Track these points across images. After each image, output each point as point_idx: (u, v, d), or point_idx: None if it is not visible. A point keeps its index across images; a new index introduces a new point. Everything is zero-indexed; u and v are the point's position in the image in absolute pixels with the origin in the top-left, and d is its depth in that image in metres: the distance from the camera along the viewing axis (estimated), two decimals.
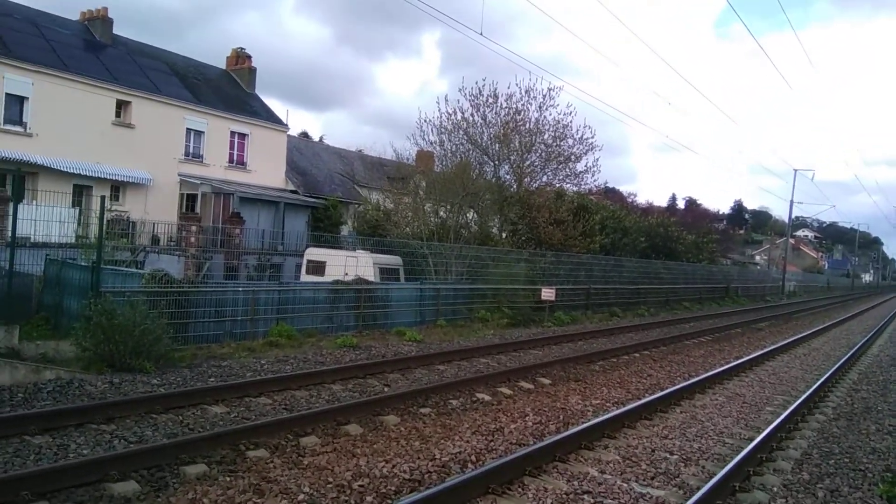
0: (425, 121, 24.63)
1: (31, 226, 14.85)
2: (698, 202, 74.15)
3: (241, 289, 12.50)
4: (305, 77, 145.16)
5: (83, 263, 11.53)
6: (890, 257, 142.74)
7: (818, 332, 20.67)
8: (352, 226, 28.59)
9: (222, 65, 31.68)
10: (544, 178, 26.06)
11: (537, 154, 25.30)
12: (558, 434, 6.84)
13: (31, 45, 22.11)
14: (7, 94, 20.45)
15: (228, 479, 5.20)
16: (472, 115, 24.95)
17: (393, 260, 19.15)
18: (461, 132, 24.63)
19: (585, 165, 25.92)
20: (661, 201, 75.87)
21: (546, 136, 25.69)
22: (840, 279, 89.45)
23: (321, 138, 54.60)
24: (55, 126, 21.26)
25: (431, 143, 25.12)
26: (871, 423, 8.69)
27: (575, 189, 27.29)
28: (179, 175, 25.43)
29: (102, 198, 10.67)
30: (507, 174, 25.55)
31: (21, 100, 20.89)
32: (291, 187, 29.44)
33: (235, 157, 27.91)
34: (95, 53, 24.77)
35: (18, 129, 20.81)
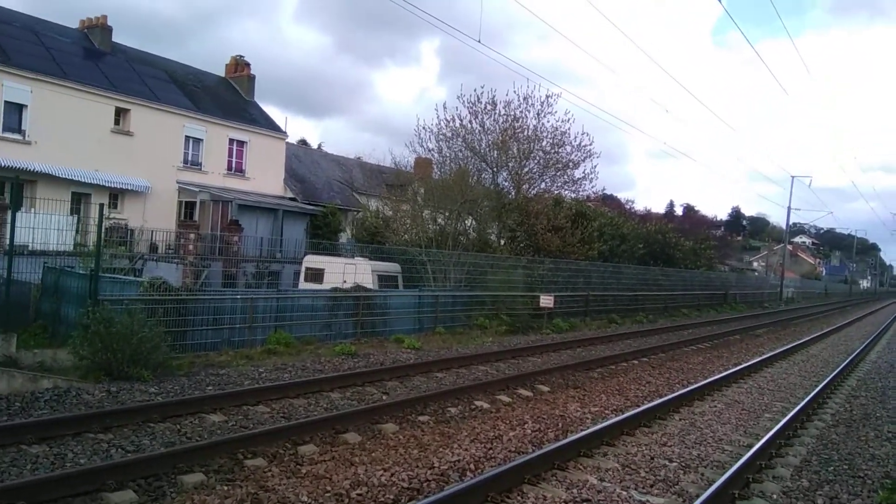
0: (423, 128, 24.74)
1: (29, 234, 14.83)
2: (696, 209, 74.39)
3: (238, 296, 12.48)
4: (304, 84, 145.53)
5: (81, 271, 11.51)
6: (888, 263, 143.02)
7: (816, 338, 20.68)
8: (350, 233, 28.60)
9: (221, 72, 31.75)
10: (542, 185, 26.15)
11: (535, 161, 25.39)
12: (557, 442, 6.83)
13: (31, 52, 22.15)
14: (6, 102, 20.48)
15: (226, 488, 5.18)
16: (470, 122, 25.04)
17: (391, 267, 19.15)
18: (459, 139, 24.71)
19: (583, 172, 26.01)
20: (659, 208, 76.03)
21: (544, 143, 25.78)
22: (838, 285, 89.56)
23: (320, 145, 54.73)
24: (54, 134, 21.28)
25: (430, 151, 25.21)
26: (870, 429, 8.69)
27: (573, 196, 27.37)
28: (178, 182, 25.44)
29: (101, 206, 10.67)
30: (506, 181, 25.63)
31: (20, 107, 20.91)
32: (290, 195, 29.46)
33: (234, 165, 27.93)
34: (94, 61, 24.82)
35: (17, 136, 20.82)
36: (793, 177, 49.35)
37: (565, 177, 26.06)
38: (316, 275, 17.92)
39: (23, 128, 21.00)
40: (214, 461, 5.62)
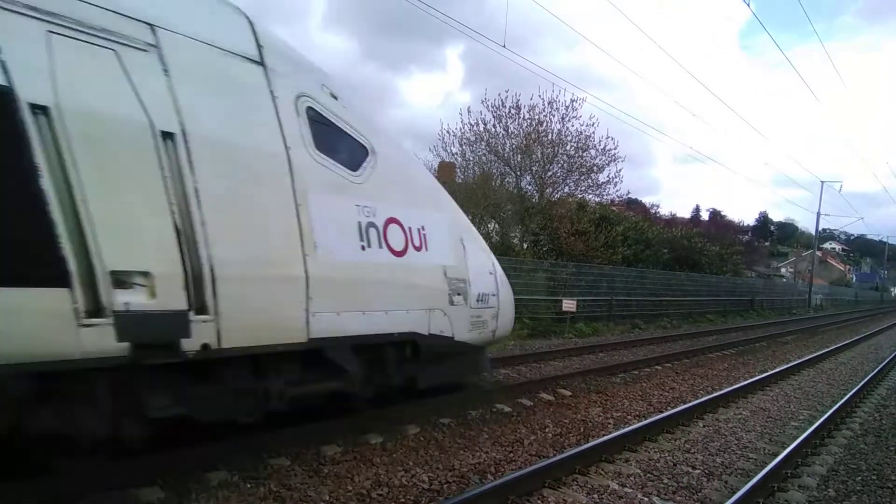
0: (447, 132, 24.84)
1: None
2: (723, 214, 73.18)
3: None
4: None
5: None
6: None
7: (845, 346, 20.25)
8: None
9: None
10: (566, 189, 26.07)
11: (559, 165, 25.31)
12: (578, 446, 6.80)
13: None
14: None
15: (249, 485, 5.27)
16: (494, 126, 25.06)
17: None
18: (483, 143, 24.77)
19: (608, 176, 25.87)
20: (685, 213, 75.07)
21: (568, 147, 25.69)
22: (868, 292, 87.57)
23: None
24: None
25: (453, 155, 25.30)
26: None
27: (597, 200, 27.24)
28: None
29: None
30: (529, 185, 25.59)
31: None
32: None
33: None
34: None
35: None
36: (822, 182, 48.37)
37: (589, 181, 25.96)
38: None
39: None
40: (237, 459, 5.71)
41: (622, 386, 10.93)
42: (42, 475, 4.71)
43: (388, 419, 7.34)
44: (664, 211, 58.60)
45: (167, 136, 4.60)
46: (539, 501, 5.36)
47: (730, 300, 35.13)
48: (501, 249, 22.45)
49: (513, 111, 24.98)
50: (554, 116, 25.31)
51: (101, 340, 4.20)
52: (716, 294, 33.84)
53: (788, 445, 7.22)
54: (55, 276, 4.01)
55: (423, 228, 6.89)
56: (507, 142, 24.82)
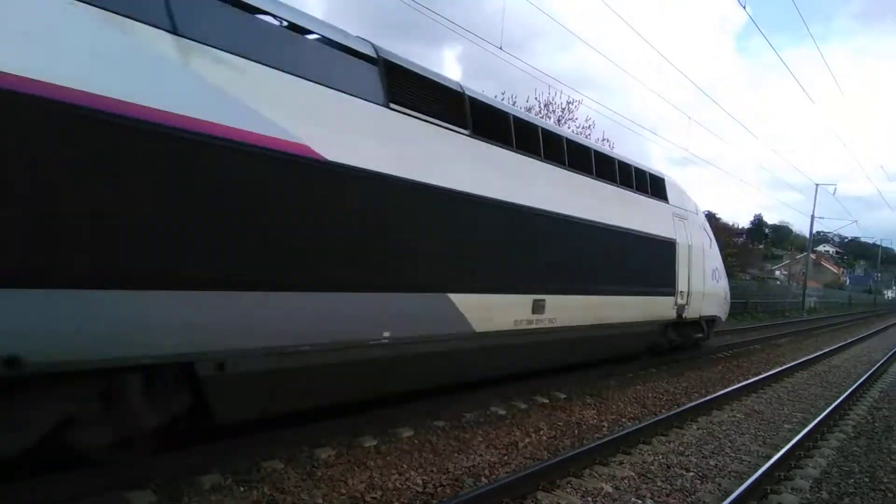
0: None
1: None
2: (718, 216, 73.39)
3: None
4: None
5: None
6: None
7: (838, 349, 20.35)
8: None
9: None
10: None
11: None
12: (573, 449, 6.81)
13: None
14: None
15: (242, 489, 5.25)
16: None
17: None
18: None
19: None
20: None
21: None
22: (862, 295, 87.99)
23: None
24: None
25: None
26: (893, 442, 8.53)
27: None
28: None
29: None
30: None
31: None
32: None
33: None
34: None
35: None
36: (817, 185, 48.44)
37: None
38: None
39: None
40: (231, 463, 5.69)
41: (617, 389, 10.95)
42: (36, 479, 4.69)
43: (382, 421, 7.34)
44: None
45: (689, 247, 13.97)
46: None
47: None
48: None
49: None
50: (550, 119, 25.37)
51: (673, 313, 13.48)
52: None
53: (782, 448, 7.24)
54: (672, 291, 13.15)
55: (716, 271, 15.85)
56: None
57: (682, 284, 13.39)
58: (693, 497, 5.87)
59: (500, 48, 13.12)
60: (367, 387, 7.04)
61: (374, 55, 7.05)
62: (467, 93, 8.28)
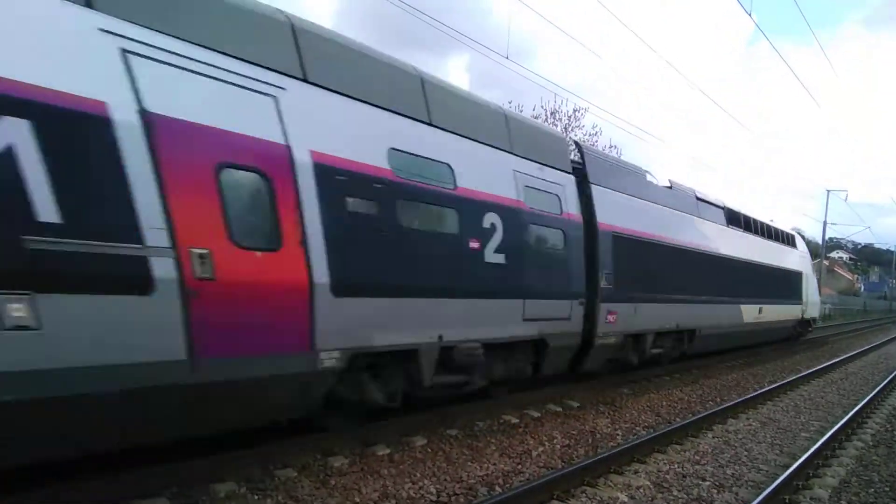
0: None
1: None
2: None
3: None
4: None
5: None
6: None
7: (855, 356, 20.09)
8: None
9: None
10: None
11: None
12: (587, 458, 6.75)
13: None
14: None
15: (257, 497, 5.25)
16: None
17: None
18: None
19: None
20: None
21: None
22: (877, 302, 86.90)
23: None
24: None
25: None
26: None
27: None
28: None
29: None
30: None
31: None
32: None
33: None
34: None
35: None
36: (828, 191, 48.03)
37: None
38: None
39: None
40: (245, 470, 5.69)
41: (630, 397, 10.87)
42: (51, 487, 4.71)
43: (395, 430, 7.32)
44: None
45: (807, 276, 23.12)
46: None
47: None
48: None
49: None
50: (557, 126, 25.34)
51: (800, 315, 22.26)
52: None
53: (800, 457, 7.14)
54: (800, 302, 21.95)
55: (815, 288, 23.85)
56: None
57: (803, 298, 22.09)
58: None
59: (507, 57, 13.13)
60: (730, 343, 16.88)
61: (721, 206, 15.91)
62: (727, 206, 16.19)
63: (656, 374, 13.30)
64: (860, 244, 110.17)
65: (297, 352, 5.57)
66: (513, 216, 8.21)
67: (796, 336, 23.30)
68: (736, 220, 16.45)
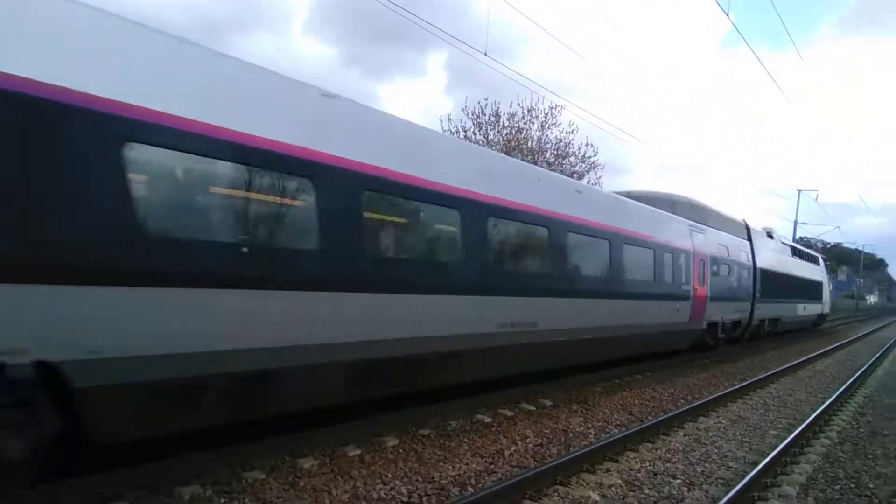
0: None
1: None
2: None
3: None
4: None
5: None
6: (895, 279, 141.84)
7: (822, 354, 20.48)
8: None
9: None
10: None
11: None
12: (560, 457, 6.75)
13: None
14: None
15: (223, 500, 5.14)
16: (474, 133, 25.11)
17: None
18: None
19: (587, 183, 26.05)
20: None
21: (548, 155, 25.86)
22: (845, 301, 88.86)
23: None
24: None
25: None
26: (877, 447, 8.56)
27: None
28: None
29: None
30: None
31: None
32: None
33: None
34: None
35: None
36: (799, 190, 49.17)
37: None
38: None
39: None
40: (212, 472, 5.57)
41: (603, 395, 10.92)
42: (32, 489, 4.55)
43: (366, 430, 7.24)
44: None
45: (826, 283, 34.94)
46: None
47: None
48: None
49: (492, 119, 25.12)
50: (533, 124, 25.54)
51: (821, 311, 33.25)
52: None
53: (768, 454, 7.23)
54: (821, 302, 32.70)
55: (830, 290, 36.57)
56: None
57: (823, 299, 31.26)
58: None
59: (485, 54, 13.14)
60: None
61: (790, 244, 27.44)
62: (792, 244, 27.76)
63: (629, 373, 13.40)
64: (829, 243, 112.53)
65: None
66: (736, 264, 18.62)
67: (819, 324, 33.25)
68: (796, 252, 27.42)
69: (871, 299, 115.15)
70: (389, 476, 6.01)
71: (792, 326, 26.53)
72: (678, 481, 6.46)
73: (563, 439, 7.84)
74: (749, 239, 20.41)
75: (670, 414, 9.17)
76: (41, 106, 4.23)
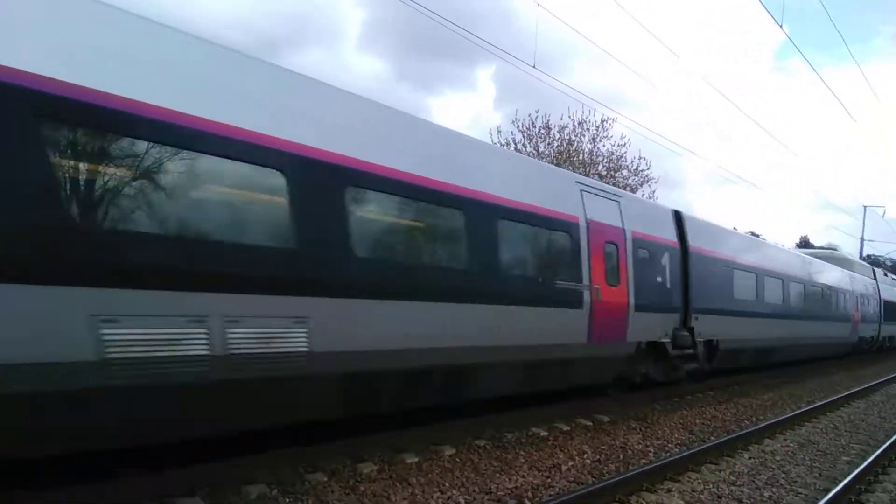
0: None
1: None
2: (761, 238, 71.24)
3: None
4: None
5: None
6: None
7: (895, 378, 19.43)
8: None
9: None
10: None
11: None
12: (618, 474, 6.64)
13: None
14: None
15: (288, 500, 5.28)
16: (524, 145, 25.06)
17: None
18: None
19: (641, 197, 25.60)
20: None
21: (600, 168, 25.53)
22: None
23: None
24: None
25: None
26: None
27: None
28: None
29: None
30: None
31: None
32: None
33: None
34: None
35: None
36: (865, 206, 46.94)
37: None
38: None
39: None
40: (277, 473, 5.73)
41: (662, 413, 10.67)
42: (84, 484, 4.80)
43: (423, 438, 7.30)
44: None
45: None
46: None
47: None
48: None
49: (543, 131, 25.00)
50: (584, 136, 25.27)
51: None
52: None
53: (840, 481, 6.91)
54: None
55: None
56: None
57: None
58: None
59: (534, 66, 13.05)
60: None
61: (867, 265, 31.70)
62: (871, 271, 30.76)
63: (689, 392, 13.04)
64: None
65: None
66: (872, 297, 27.31)
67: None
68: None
69: None
70: (447, 485, 6.04)
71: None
72: None
73: (621, 456, 7.70)
74: (874, 277, 28.76)
75: (734, 434, 8.89)
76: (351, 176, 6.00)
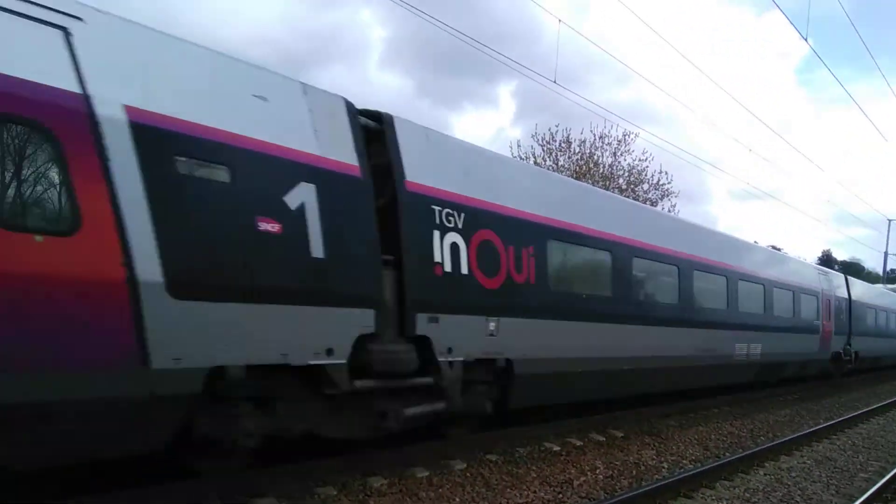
0: None
1: None
2: (783, 252, 70.62)
3: None
4: None
5: None
6: None
7: None
8: None
9: None
10: None
11: None
12: (630, 490, 6.57)
13: None
14: None
15: None
16: (544, 159, 25.07)
17: None
18: None
19: (662, 210, 25.49)
20: None
21: (620, 182, 25.45)
22: None
23: None
24: None
25: None
26: None
27: None
28: None
29: None
30: None
31: None
32: None
33: None
34: None
35: None
36: (889, 220, 46.35)
37: None
38: None
39: None
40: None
41: (677, 429, 10.55)
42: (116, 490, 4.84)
43: (433, 452, 7.27)
44: None
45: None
46: None
47: None
48: None
49: (563, 145, 25.01)
50: (605, 151, 25.22)
51: None
52: None
53: (858, 498, 6.79)
54: None
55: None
56: None
57: None
58: None
59: (555, 81, 13.13)
60: None
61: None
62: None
63: (704, 407, 12.89)
64: None
65: None
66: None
67: None
68: None
69: None
70: (457, 500, 6.01)
71: None
72: None
73: (634, 472, 7.62)
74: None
75: (749, 451, 8.76)
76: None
